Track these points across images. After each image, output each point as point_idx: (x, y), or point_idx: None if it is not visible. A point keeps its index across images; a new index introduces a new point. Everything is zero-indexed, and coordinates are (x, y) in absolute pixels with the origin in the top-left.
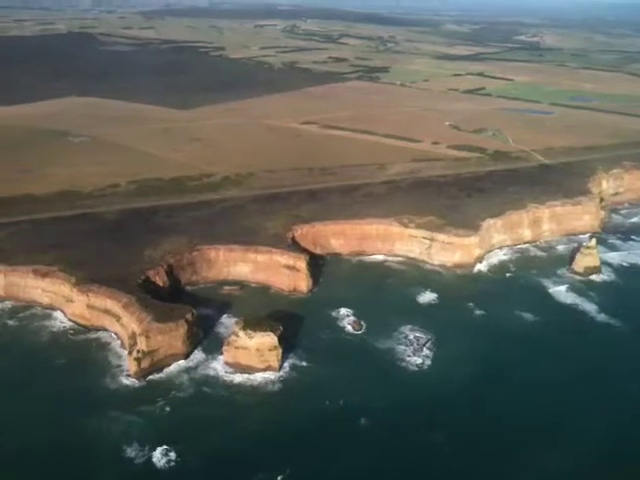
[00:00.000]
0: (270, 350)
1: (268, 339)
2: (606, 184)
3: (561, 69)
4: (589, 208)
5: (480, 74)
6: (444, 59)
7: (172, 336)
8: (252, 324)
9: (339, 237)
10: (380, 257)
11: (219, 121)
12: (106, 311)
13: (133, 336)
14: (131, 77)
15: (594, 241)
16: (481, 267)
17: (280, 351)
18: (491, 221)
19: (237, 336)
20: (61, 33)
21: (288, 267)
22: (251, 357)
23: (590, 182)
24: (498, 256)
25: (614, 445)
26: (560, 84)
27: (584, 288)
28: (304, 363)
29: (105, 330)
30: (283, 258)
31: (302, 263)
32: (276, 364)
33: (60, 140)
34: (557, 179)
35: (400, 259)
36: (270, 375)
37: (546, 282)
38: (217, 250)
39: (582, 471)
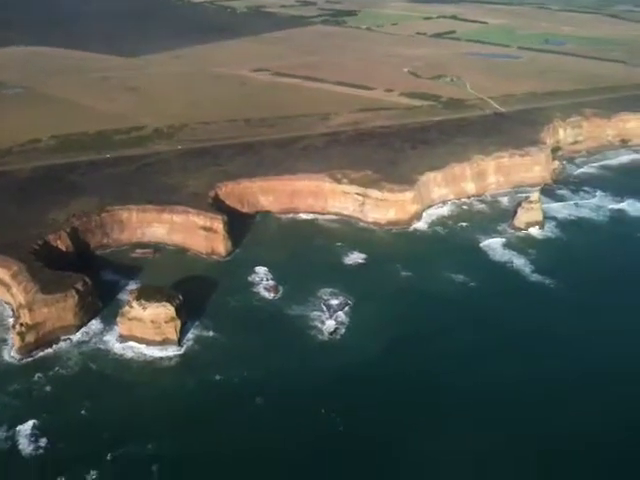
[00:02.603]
0: (167, 322)
1: (163, 310)
2: (564, 133)
3: (541, 11)
4: (538, 159)
5: (453, 17)
6: (419, 2)
7: (61, 308)
8: (147, 294)
9: (268, 194)
10: (312, 215)
11: (164, 69)
12: None
13: (20, 308)
14: (83, 24)
15: (537, 195)
16: (418, 224)
17: (179, 322)
18: (431, 175)
19: (130, 307)
20: None
21: (205, 228)
22: (146, 329)
23: (544, 131)
24: (438, 212)
25: (539, 415)
26: (535, 27)
27: (522, 245)
28: (210, 333)
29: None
30: (200, 219)
31: (219, 224)
32: (174, 336)
33: None
34: (510, 128)
35: (333, 217)
36: (168, 349)
37: (484, 239)
38: (129, 211)
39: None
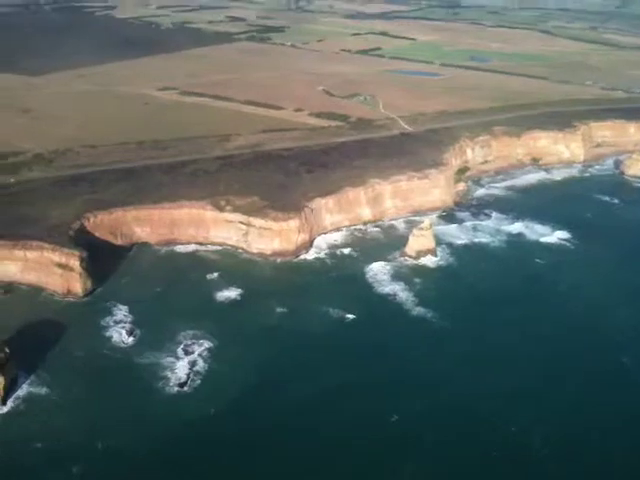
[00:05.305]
0: None
1: None
2: (472, 152)
3: (472, 27)
4: (438, 181)
5: (383, 33)
6: (354, 18)
7: None
8: None
9: (144, 224)
10: (193, 246)
11: (65, 89)
12: None
13: None
14: None
15: (428, 221)
16: (307, 254)
17: (2, 379)
18: (321, 201)
19: None
20: None
21: (61, 265)
22: None
23: (449, 152)
24: (330, 240)
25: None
26: (463, 44)
27: (410, 275)
28: (43, 390)
29: None
30: (55, 255)
31: (75, 261)
32: None
33: None
34: (414, 149)
35: (216, 248)
36: None
37: (371, 269)
38: None
39: None
